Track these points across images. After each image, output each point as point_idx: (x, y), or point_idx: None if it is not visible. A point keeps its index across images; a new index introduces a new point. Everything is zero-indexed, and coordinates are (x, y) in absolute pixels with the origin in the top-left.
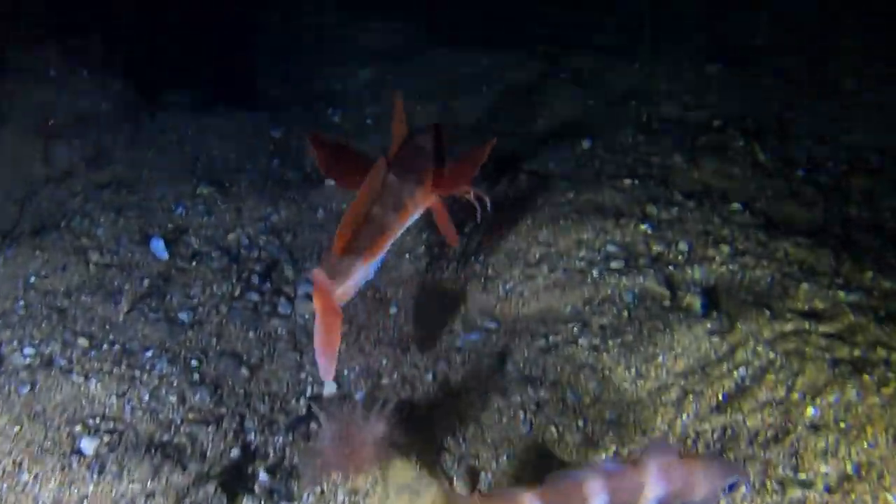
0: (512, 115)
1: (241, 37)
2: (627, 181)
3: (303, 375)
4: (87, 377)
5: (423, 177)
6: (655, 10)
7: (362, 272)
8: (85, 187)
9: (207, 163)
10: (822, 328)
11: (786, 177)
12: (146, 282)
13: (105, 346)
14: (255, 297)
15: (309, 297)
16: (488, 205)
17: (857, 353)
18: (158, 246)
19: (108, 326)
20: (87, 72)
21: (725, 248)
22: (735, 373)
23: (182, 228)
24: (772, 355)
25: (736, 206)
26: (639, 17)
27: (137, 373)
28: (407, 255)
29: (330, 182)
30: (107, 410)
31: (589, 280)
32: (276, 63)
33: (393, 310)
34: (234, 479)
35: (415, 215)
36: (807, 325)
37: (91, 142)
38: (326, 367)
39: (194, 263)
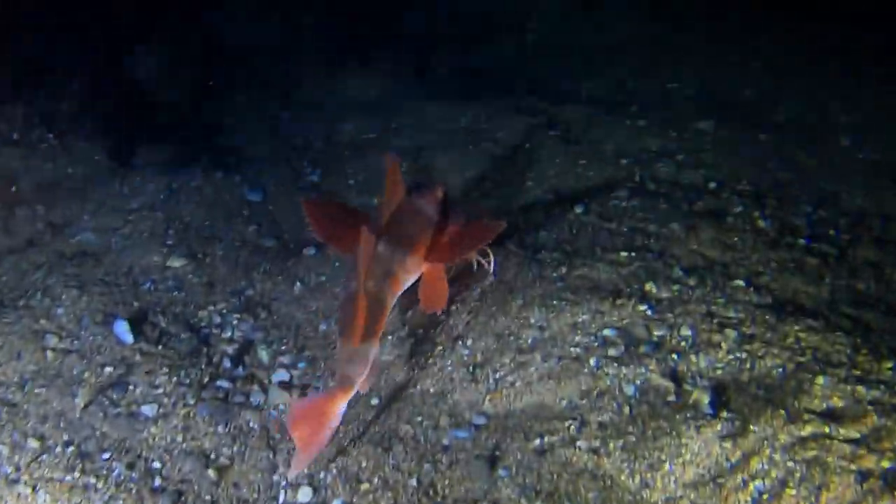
0: (500, 176)
1: (217, 88)
2: (624, 254)
3: (276, 478)
4: (35, 488)
5: (416, 242)
6: (645, 61)
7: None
8: (48, 259)
9: (180, 230)
10: (844, 432)
11: (788, 246)
12: (107, 370)
13: (58, 449)
14: (225, 384)
15: (283, 385)
16: (493, 263)
17: (885, 463)
18: (122, 329)
19: (62, 424)
20: (53, 135)
21: (732, 334)
22: (751, 486)
23: (149, 306)
24: (790, 464)
25: (739, 282)
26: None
27: (92, 480)
28: (389, 338)
29: (308, 252)
30: None
31: (586, 370)
32: (254, 116)
33: (374, 401)
34: None
35: (407, 283)
36: (826, 429)
37: (56, 209)
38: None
39: (161, 347)
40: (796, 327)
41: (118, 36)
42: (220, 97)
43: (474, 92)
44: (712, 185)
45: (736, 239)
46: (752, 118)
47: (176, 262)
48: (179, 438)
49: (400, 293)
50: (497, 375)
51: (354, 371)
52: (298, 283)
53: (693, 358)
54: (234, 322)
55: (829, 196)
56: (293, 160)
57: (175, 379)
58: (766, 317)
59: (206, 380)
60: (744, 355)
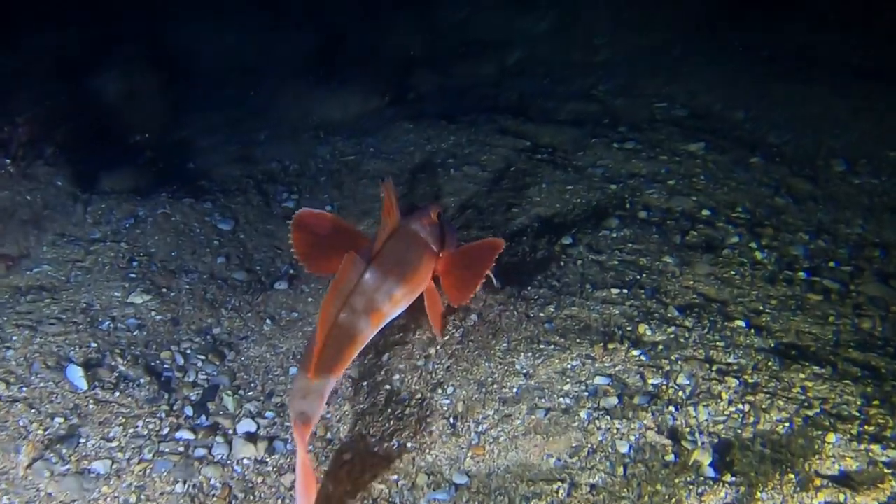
0: (485, 203)
1: (188, 109)
2: (615, 291)
3: None
4: None
5: (409, 271)
6: (632, 80)
7: (332, 389)
8: (1, 294)
9: (144, 262)
10: (861, 500)
11: (788, 281)
12: (57, 420)
13: None
14: (186, 436)
15: (249, 437)
16: (495, 282)
17: None
18: (75, 374)
19: (3, 484)
20: (10, 160)
21: (733, 382)
22: None
23: (108, 347)
24: None
25: (739, 323)
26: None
27: None
28: (364, 384)
29: (280, 286)
30: None
31: (576, 423)
32: (227, 138)
33: (346, 456)
34: None
35: (392, 315)
36: (841, 497)
37: (12, 239)
38: None
39: (117, 393)
40: (802, 375)
41: (82, 57)
42: (191, 118)
43: (456, 112)
44: (706, 212)
45: (733, 273)
46: (744, 140)
47: (138, 299)
48: (133, 499)
49: (383, 325)
50: (480, 429)
51: (311, 408)
52: (269, 321)
53: (692, 411)
54: (199, 364)
55: (826, 224)
56: (267, 185)
57: (132, 430)
58: (769, 363)
59: (165, 431)
60: (746, 407)
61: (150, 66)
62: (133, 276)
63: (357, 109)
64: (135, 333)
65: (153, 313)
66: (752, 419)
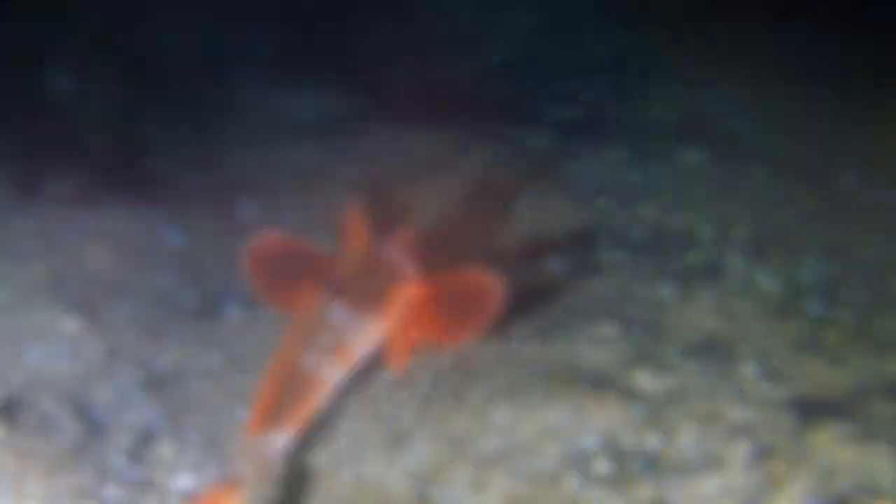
0: (465, 221)
1: (148, 106)
2: (608, 328)
3: None
4: None
5: (382, 303)
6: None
7: (286, 446)
8: None
9: (81, 281)
10: None
11: (799, 314)
12: None
13: None
14: (113, 492)
15: (185, 496)
16: None
17: None
18: None
19: None
20: None
21: (745, 445)
22: None
23: (30, 382)
24: None
25: (747, 367)
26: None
27: None
28: (319, 435)
29: (234, 311)
30: None
31: (563, 492)
32: (184, 140)
33: None
34: None
35: (365, 354)
36: None
37: None
38: None
39: (37, 439)
40: (825, 436)
41: (30, 48)
42: (150, 117)
43: (434, 112)
44: (705, 231)
45: (739, 305)
46: (743, 148)
47: (71, 325)
48: None
49: (354, 368)
50: (450, 495)
51: (244, 469)
52: (219, 353)
53: (697, 481)
54: (136, 402)
55: (837, 245)
56: (227, 191)
57: (48, 486)
58: (786, 419)
59: (89, 486)
60: (762, 479)
61: (106, 59)
62: (67, 297)
63: (328, 109)
64: (64, 365)
65: (87, 341)
66: (770, 496)
